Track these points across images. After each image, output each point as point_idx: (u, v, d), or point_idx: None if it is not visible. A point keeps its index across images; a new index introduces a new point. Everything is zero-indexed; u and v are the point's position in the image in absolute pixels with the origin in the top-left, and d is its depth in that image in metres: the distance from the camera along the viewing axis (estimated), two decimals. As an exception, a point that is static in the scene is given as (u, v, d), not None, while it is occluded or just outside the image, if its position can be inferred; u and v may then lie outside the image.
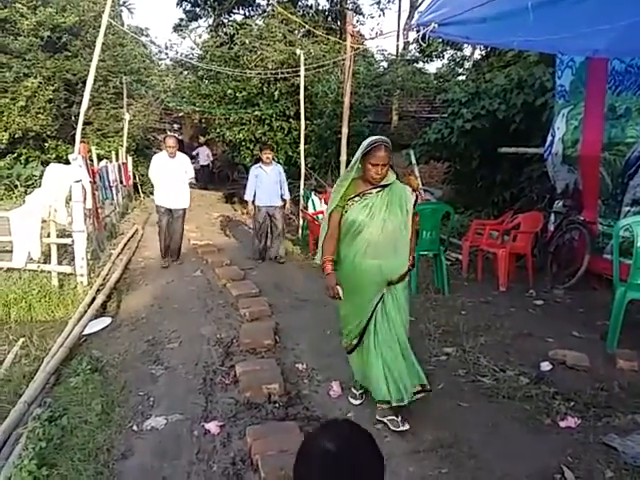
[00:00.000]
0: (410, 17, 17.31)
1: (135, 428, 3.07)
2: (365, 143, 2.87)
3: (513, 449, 2.72)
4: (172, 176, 6.80)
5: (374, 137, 2.92)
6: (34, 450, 2.80)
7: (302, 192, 9.59)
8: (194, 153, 18.81)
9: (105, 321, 5.16)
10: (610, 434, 2.78)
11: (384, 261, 2.91)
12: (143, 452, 2.83)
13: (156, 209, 7.16)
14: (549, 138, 6.37)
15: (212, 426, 3.02)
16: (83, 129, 6.77)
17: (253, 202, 7.34)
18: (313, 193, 9.37)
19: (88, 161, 7.85)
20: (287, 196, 7.55)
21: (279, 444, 2.72)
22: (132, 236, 9.18)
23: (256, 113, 12.49)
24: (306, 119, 9.92)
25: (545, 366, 3.65)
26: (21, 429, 3.21)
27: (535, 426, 2.92)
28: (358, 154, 2.90)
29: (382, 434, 2.93)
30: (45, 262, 6.10)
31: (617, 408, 3.06)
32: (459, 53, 18.63)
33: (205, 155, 18.97)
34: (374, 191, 2.92)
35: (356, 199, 2.93)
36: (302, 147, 9.61)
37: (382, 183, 2.92)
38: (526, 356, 3.87)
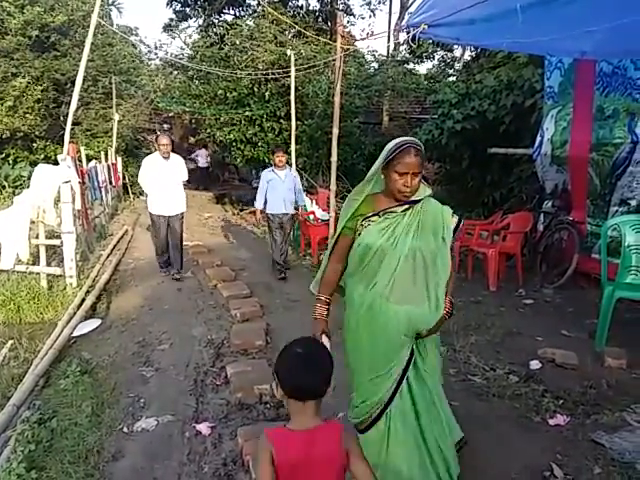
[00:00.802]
0: (400, 18, 17.35)
1: (126, 430, 3.05)
2: (390, 146, 2.18)
3: (503, 447, 2.74)
4: (167, 179, 6.20)
5: (401, 138, 2.23)
6: (23, 453, 2.78)
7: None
8: (193, 155, 18.97)
9: (95, 323, 5.12)
10: (598, 431, 2.81)
11: (413, 307, 2.15)
12: (134, 453, 2.82)
13: (150, 218, 6.44)
14: (538, 139, 6.43)
15: (203, 427, 3.01)
16: (72, 129, 6.71)
17: (262, 211, 6.64)
18: (304, 194, 9.36)
19: (77, 162, 7.79)
20: (302, 202, 7.04)
21: (270, 444, 2.72)
22: (122, 237, 9.12)
23: (247, 113, 12.46)
24: (297, 120, 9.92)
25: (534, 364, 3.68)
26: (10, 432, 3.18)
27: (525, 424, 2.94)
28: (379, 161, 2.21)
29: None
30: (34, 263, 6.04)
31: (605, 406, 3.10)
32: (449, 54, 18.73)
33: (204, 157, 19.09)
34: (399, 209, 2.19)
35: (373, 219, 2.20)
36: (293, 148, 9.61)
37: (412, 199, 2.20)
38: (516, 355, 3.90)
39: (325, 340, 2.28)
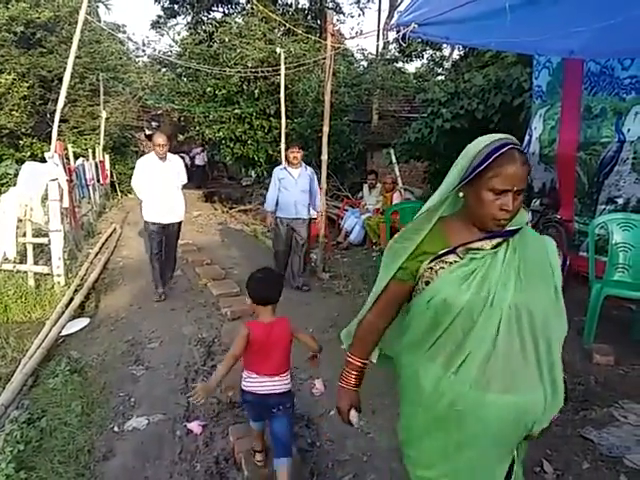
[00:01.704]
0: (390, 17, 17.39)
1: (116, 429, 3.04)
2: (479, 147, 1.47)
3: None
4: (164, 183, 5.52)
5: (495, 136, 1.48)
6: (12, 453, 2.76)
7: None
8: (192, 154, 19.17)
9: (83, 322, 5.07)
10: (587, 427, 2.85)
11: (521, 396, 1.46)
12: (125, 453, 2.80)
13: (145, 227, 5.74)
14: (526, 138, 6.48)
15: (194, 426, 3.01)
16: (59, 127, 6.63)
17: (273, 213, 5.96)
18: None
19: (64, 159, 7.71)
20: (319, 207, 6.15)
21: (263, 442, 2.72)
22: (110, 235, 9.05)
23: (236, 111, 12.44)
24: (287, 118, 9.92)
25: (524, 362, 3.71)
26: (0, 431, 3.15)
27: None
28: (459, 172, 1.52)
29: (365, 431, 2.96)
30: (21, 262, 5.97)
31: (594, 402, 3.14)
32: (438, 53, 18.81)
33: (201, 155, 19.30)
34: (487, 244, 1.49)
35: (449, 258, 1.50)
36: (283, 146, 9.60)
37: (507, 228, 1.49)
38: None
39: (354, 416, 1.80)
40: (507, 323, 1.43)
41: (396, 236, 1.62)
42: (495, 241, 1.49)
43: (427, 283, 1.52)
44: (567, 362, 3.59)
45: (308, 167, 5.94)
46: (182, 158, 6.43)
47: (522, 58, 7.35)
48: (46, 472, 2.65)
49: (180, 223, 5.89)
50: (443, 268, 1.49)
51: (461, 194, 1.55)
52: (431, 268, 1.51)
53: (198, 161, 19.54)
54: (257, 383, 2.32)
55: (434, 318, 1.49)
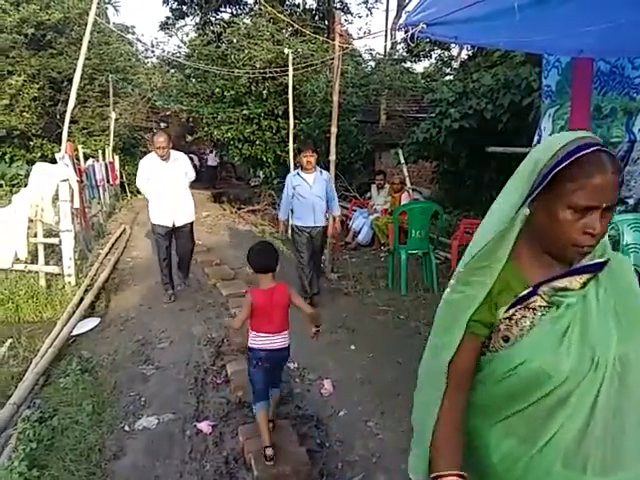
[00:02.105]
0: (398, 17, 17.36)
1: (127, 428, 3.06)
2: (554, 148, 1.09)
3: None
4: (169, 183, 5.33)
5: (572, 134, 1.10)
6: (24, 451, 2.78)
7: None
8: (205, 157, 19.44)
9: (94, 321, 5.12)
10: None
11: (625, 475, 1.11)
12: (135, 452, 2.83)
13: (152, 230, 5.61)
14: (536, 138, 6.44)
15: (204, 426, 3.03)
16: (69, 127, 6.68)
17: (286, 222, 5.78)
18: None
19: (75, 160, 7.78)
20: (337, 212, 5.69)
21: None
22: (120, 236, 9.11)
23: (244, 112, 12.46)
24: (295, 118, 9.93)
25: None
26: (10, 430, 3.18)
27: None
28: (527, 181, 1.13)
29: (374, 432, 2.96)
30: (32, 262, 6.03)
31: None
32: (446, 53, 18.75)
33: (213, 156, 19.53)
34: (576, 282, 1.12)
35: (533, 303, 1.13)
36: (291, 146, 9.61)
37: (595, 260, 1.14)
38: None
39: None
40: (609, 386, 1.08)
41: (451, 284, 1.22)
42: (584, 277, 1.12)
43: (506, 339, 1.14)
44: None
45: (323, 171, 5.51)
46: (191, 159, 6.34)
47: (531, 57, 7.31)
48: (58, 470, 2.67)
49: (191, 224, 5.69)
50: (526, 317, 1.12)
51: (527, 211, 1.16)
52: (510, 318, 1.13)
53: (210, 162, 19.74)
54: (265, 340, 2.70)
55: (520, 387, 1.12)
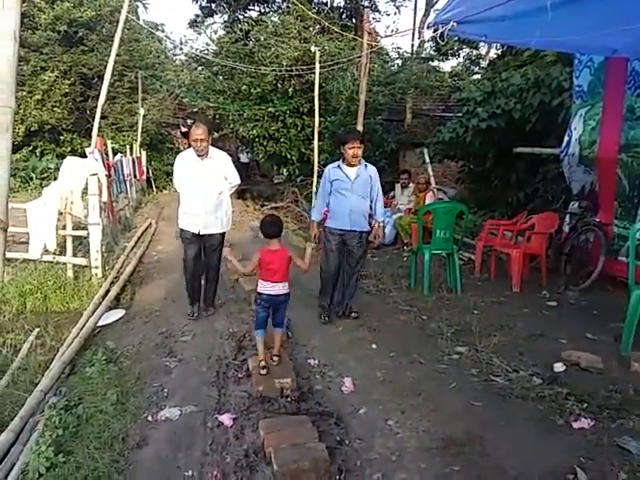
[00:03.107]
0: (426, 15, 17.23)
1: (150, 418, 3.11)
2: None
3: (525, 448, 2.71)
4: (203, 184, 4.62)
5: None
6: (51, 437, 2.84)
7: (314, 189, 9.61)
8: (238, 156, 19.59)
9: (119, 313, 5.21)
10: (624, 436, 2.77)
11: None
12: (158, 442, 2.86)
13: (180, 235, 4.90)
14: (565, 139, 6.33)
15: (225, 418, 3.05)
16: (98, 123, 6.80)
17: (320, 223, 4.90)
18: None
19: (104, 155, 7.92)
20: (382, 217, 4.82)
21: (292, 437, 2.74)
22: (145, 230, 9.25)
23: (270, 109, 12.52)
24: (320, 116, 9.93)
25: (558, 367, 3.64)
26: (38, 417, 3.26)
27: (548, 426, 2.91)
28: None
29: (394, 431, 2.95)
30: (60, 254, 6.16)
31: (631, 410, 3.04)
32: (474, 52, 18.53)
33: (245, 154, 19.66)
34: None
35: None
36: (316, 144, 9.62)
37: None
38: (539, 357, 3.86)
39: None
40: None
41: None
42: None
43: None
44: (604, 369, 3.53)
45: (369, 165, 4.70)
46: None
47: (562, 57, 7.18)
48: (82, 457, 2.72)
49: (222, 236, 4.87)
50: None
51: None
52: None
53: (243, 158, 19.84)
54: (269, 287, 3.63)
55: None
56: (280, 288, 3.64)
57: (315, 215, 4.89)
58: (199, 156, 4.58)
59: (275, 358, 3.66)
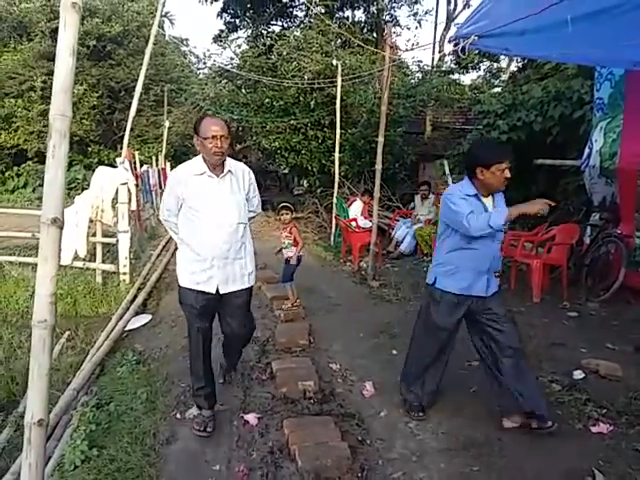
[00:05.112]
0: (447, 29, 17.38)
1: (178, 416, 3.24)
2: None
3: (544, 451, 2.76)
4: (221, 216, 2.91)
5: None
6: (85, 432, 2.99)
7: (335, 200, 9.75)
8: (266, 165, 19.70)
9: (146, 318, 5.38)
10: (643, 442, 2.80)
11: None
12: (186, 438, 2.99)
13: (180, 298, 3.09)
14: (586, 151, 6.36)
15: (251, 417, 3.16)
16: (124, 134, 7.03)
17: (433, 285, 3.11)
18: (344, 201, 9.53)
19: (132, 165, 8.17)
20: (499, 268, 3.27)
21: (315, 436, 2.84)
22: (170, 239, 9.47)
23: (292, 122, 12.72)
24: (341, 128, 10.09)
25: (578, 374, 3.67)
26: (71, 413, 3.42)
27: (566, 431, 2.95)
28: None
29: (414, 433, 3.02)
30: (90, 260, 6.38)
31: (650, 417, 3.07)
32: (495, 65, 18.59)
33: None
34: None
35: None
36: (337, 156, 9.76)
37: None
38: (559, 365, 3.89)
39: None
40: None
41: None
42: None
43: None
44: (623, 377, 3.55)
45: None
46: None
47: (583, 70, 7.22)
48: (115, 451, 2.86)
49: (250, 292, 3.25)
50: None
51: None
52: None
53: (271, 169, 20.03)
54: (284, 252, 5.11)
55: None
56: (293, 252, 5.22)
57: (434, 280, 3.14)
58: (212, 169, 2.90)
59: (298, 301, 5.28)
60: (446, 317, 3.05)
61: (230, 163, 2.97)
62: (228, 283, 2.99)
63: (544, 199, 2.62)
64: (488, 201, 3.03)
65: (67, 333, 5.19)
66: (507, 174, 2.94)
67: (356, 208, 8.70)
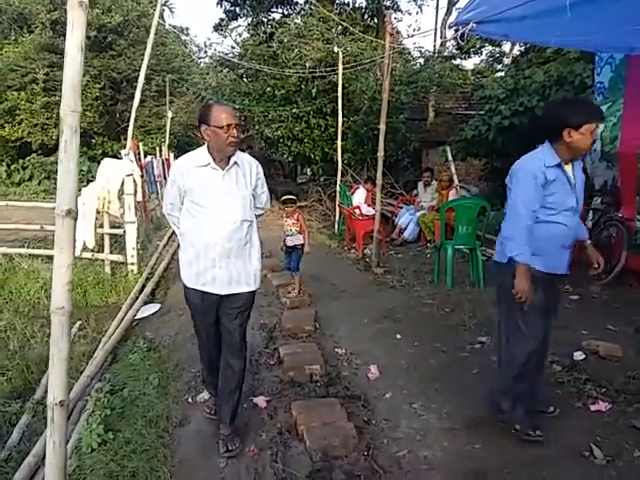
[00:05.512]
0: (448, 13, 17.24)
1: (190, 400, 3.35)
2: None
3: (543, 428, 2.84)
4: (226, 212, 2.71)
5: None
6: (100, 416, 3.11)
7: (338, 188, 9.81)
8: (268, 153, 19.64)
9: (155, 307, 5.49)
10: (640, 419, 2.89)
11: None
12: (198, 420, 3.10)
13: (185, 295, 2.95)
14: (588, 135, 6.38)
15: (260, 400, 3.27)
16: (128, 126, 7.09)
17: (527, 267, 2.62)
18: (348, 189, 9.59)
19: (137, 156, 8.24)
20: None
21: (322, 417, 2.95)
22: (175, 229, 9.57)
23: (294, 110, 12.72)
24: (342, 116, 10.11)
25: (578, 355, 3.75)
26: (86, 399, 3.53)
27: (566, 409, 3.03)
28: None
29: (419, 413, 3.12)
30: (99, 251, 6.48)
31: (648, 396, 3.16)
32: (497, 49, 18.47)
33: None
34: None
35: None
36: (339, 144, 9.80)
37: None
38: (560, 346, 3.95)
39: None
40: None
41: None
42: None
43: None
44: (623, 357, 3.63)
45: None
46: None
47: (585, 54, 7.22)
48: (130, 434, 2.97)
49: (253, 296, 3.00)
50: None
51: None
52: None
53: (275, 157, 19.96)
54: (289, 240, 5.32)
55: None
56: (298, 239, 5.38)
57: (524, 250, 2.66)
58: (217, 160, 2.71)
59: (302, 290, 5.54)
60: (538, 295, 2.67)
61: (237, 155, 2.76)
62: (231, 284, 2.80)
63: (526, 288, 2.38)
64: (569, 169, 2.74)
65: (79, 323, 5.30)
66: (592, 137, 2.66)
67: (359, 196, 8.76)
